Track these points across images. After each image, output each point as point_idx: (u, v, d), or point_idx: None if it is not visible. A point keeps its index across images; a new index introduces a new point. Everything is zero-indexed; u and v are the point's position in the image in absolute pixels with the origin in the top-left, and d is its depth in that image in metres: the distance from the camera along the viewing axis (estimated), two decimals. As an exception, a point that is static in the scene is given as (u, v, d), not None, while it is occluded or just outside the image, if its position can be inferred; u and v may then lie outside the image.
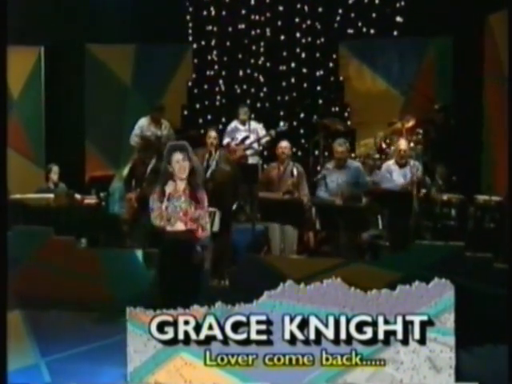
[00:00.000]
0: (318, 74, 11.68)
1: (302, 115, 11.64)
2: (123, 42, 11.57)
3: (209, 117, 11.86)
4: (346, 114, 11.44)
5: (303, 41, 11.68)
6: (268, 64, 11.70)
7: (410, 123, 10.03)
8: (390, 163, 9.06)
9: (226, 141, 10.32)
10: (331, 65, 11.63)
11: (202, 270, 6.33)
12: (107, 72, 11.79)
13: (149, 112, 10.54)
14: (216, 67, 11.90)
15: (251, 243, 8.97)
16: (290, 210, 8.42)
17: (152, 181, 8.35)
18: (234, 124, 10.74)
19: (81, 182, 10.74)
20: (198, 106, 11.93)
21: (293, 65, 11.68)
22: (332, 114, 11.02)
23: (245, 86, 11.84)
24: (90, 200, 9.73)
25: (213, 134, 9.23)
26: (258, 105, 11.53)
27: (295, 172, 8.81)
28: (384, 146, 10.16)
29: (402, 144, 9.02)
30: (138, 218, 8.72)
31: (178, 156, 5.89)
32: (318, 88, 11.65)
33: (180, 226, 5.98)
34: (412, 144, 9.90)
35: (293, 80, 11.70)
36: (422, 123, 10.12)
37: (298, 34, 11.71)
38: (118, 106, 11.62)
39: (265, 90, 11.74)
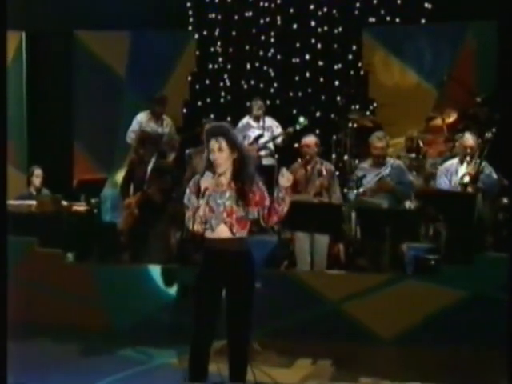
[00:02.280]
0: (336, 66, 10.77)
1: (317, 114, 10.72)
2: (117, 28, 10.85)
3: (212, 115, 10.84)
4: (368, 112, 10.52)
5: (319, 30, 10.79)
6: (279, 56, 10.90)
7: (452, 118, 9.31)
8: (454, 162, 7.95)
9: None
10: (351, 56, 10.73)
11: (251, 298, 4.93)
12: (99, 63, 11.02)
13: (148, 105, 9.81)
14: (220, 60, 11.08)
15: (266, 258, 8.00)
16: (325, 217, 7.44)
17: (155, 182, 7.79)
18: (246, 120, 9.96)
19: (68, 186, 9.93)
20: (199, 102, 11.09)
21: (307, 57, 10.83)
22: (352, 110, 10.14)
23: (252, 82, 10.97)
24: (80, 207, 8.98)
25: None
26: (268, 102, 10.53)
27: (324, 171, 8.06)
28: (421, 144, 9.31)
29: (469, 139, 7.85)
30: (140, 227, 7.94)
31: (212, 144, 4.83)
32: (337, 83, 10.75)
33: (224, 232, 4.85)
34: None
35: (307, 74, 10.83)
36: (464, 119, 9.33)
37: (312, 23, 10.81)
38: (110, 100, 10.88)
39: (275, 85, 10.89)
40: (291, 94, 10.90)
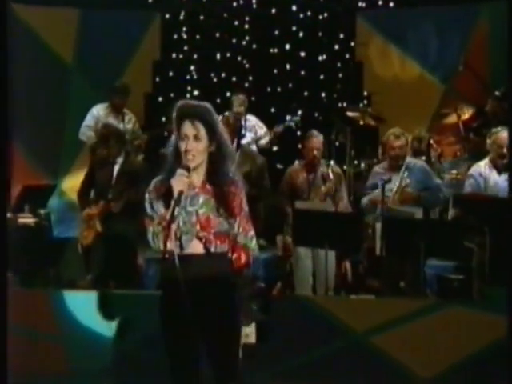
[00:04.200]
0: (321, 58, 9.95)
1: (299, 112, 9.81)
2: (64, 4, 9.71)
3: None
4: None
5: (301, 15, 9.97)
6: (254, 45, 10.09)
7: (468, 114, 8.66)
8: (482, 165, 7.08)
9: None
10: (341, 46, 9.93)
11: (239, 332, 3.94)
12: (41, 44, 9.65)
13: (105, 97, 8.68)
14: (186, 48, 10.08)
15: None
16: (342, 229, 6.61)
17: (123, 189, 7.00)
18: (225, 118, 9.05)
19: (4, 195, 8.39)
20: (160, 98, 10.02)
21: (287, 46, 10.01)
22: (351, 107, 9.29)
23: (224, 74, 10.09)
24: (27, 219, 7.77)
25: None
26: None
27: (331, 174, 7.45)
28: (434, 144, 8.62)
29: (505, 138, 6.89)
30: (103, 244, 7.11)
31: (187, 129, 3.79)
32: (322, 76, 9.93)
33: (197, 248, 3.81)
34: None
35: (288, 66, 10.02)
36: (480, 116, 8.63)
37: (294, 7, 10.00)
38: (56, 91, 9.54)
39: (250, 79, 10.04)
40: (269, 89, 10.07)
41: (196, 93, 9.96)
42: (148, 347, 6.15)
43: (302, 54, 9.94)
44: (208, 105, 3.85)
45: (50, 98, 9.52)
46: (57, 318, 6.44)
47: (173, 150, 3.84)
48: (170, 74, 10.01)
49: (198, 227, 3.76)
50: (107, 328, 6.31)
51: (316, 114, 9.68)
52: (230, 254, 3.82)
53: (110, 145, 7.11)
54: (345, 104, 9.63)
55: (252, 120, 8.88)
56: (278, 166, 8.97)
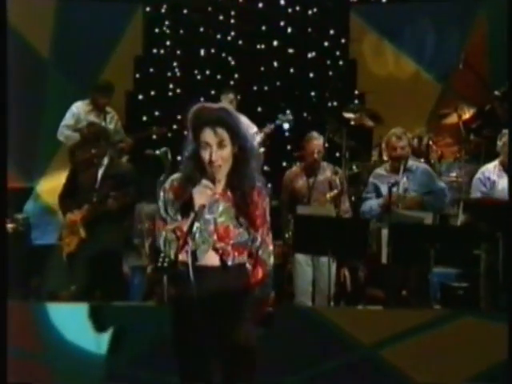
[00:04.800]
0: (310, 55, 9.65)
1: (287, 112, 9.27)
2: None
3: (156, 112, 9.61)
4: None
5: (289, 10, 9.68)
6: (240, 41, 9.77)
7: (468, 114, 8.35)
8: (490, 168, 6.75)
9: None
10: (332, 43, 9.65)
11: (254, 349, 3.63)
12: (15, 36, 8.90)
13: (83, 94, 8.37)
14: (168, 43, 9.69)
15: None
16: (347, 235, 6.30)
17: (108, 192, 6.54)
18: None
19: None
20: (140, 96, 9.60)
21: (275, 43, 9.70)
22: (348, 108, 8.84)
23: (208, 71, 9.70)
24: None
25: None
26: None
27: (337, 180, 7.16)
28: (434, 145, 8.33)
29: None
30: (88, 252, 6.59)
31: (207, 136, 3.50)
32: (312, 74, 9.61)
33: (213, 260, 3.52)
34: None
35: (275, 63, 9.69)
36: (480, 116, 8.39)
37: (282, 1, 9.71)
38: (30, 86, 9.04)
39: (236, 76, 9.70)
40: (255, 87, 9.73)
41: (179, 91, 9.60)
42: (138, 364, 5.80)
43: (291, 50, 9.64)
44: (227, 105, 3.78)
45: (24, 94, 8.99)
46: (39, 333, 5.97)
47: (191, 154, 3.53)
48: (151, 70, 9.56)
49: (215, 237, 3.47)
50: (95, 343, 5.86)
51: (305, 114, 9.33)
52: (248, 267, 3.55)
53: (95, 145, 6.64)
54: (335, 103, 9.34)
55: (243, 119, 8.46)
56: (265, 168, 8.62)
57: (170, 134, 8.84)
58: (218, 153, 3.45)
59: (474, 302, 6.77)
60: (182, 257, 3.43)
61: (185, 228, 3.38)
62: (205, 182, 3.43)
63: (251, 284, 3.57)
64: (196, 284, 3.41)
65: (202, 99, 8.92)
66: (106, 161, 6.66)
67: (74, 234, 6.58)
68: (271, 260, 3.62)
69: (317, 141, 7.24)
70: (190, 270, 3.39)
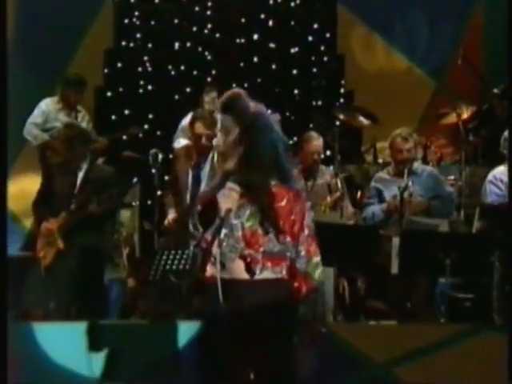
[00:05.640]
0: (293, 50, 9.32)
1: (268, 111, 8.70)
2: None
3: (126, 111, 9.10)
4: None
5: (271, 1, 9.35)
6: (218, 35, 9.45)
7: (467, 114, 8.10)
8: (502, 171, 6.45)
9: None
10: (317, 37, 9.32)
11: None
12: None
13: (59, 89, 7.84)
14: (139, 36, 9.23)
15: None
16: (354, 244, 6.02)
17: (89, 198, 6.17)
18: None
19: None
20: (109, 93, 9.09)
21: (255, 36, 9.42)
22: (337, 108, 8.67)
23: (183, 67, 9.34)
24: None
25: None
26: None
27: (339, 183, 7.03)
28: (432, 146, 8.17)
29: None
30: (66, 264, 6.16)
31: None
32: (295, 71, 9.26)
33: (241, 270, 3.31)
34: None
35: (256, 59, 9.38)
36: (478, 115, 8.21)
37: None
38: None
39: (213, 73, 9.32)
40: (234, 84, 8.75)
41: (150, 87, 9.12)
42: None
43: (272, 45, 9.31)
44: (237, 92, 3.66)
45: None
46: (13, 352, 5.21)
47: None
48: (119, 65, 9.08)
49: (242, 244, 3.30)
50: (84, 366, 5.40)
51: (288, 114, 8.87)
52: (288, 282, 3.32)
53: (73, 148, 6.19)
54: (320, 102, 9.07)
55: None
56: None
57: (141, 135, 8.37)
58: (227, 142, 3.52)
59: (484, 314, 6.46)
60: (210, 270, 3.28)
61: (210, 237, 3.23)
62: (230, 184, 3.33)
63: (293, 301, 3.33)
64: (225, 302, 3.18)
65: (176, 97, 8.70)
66: (85, 165, 6.19)
67: (51, 245, 6.13)
68: (317, 273, 3.36)
69: (316, 141, 7.09)
70: (218, 286, 3.17)
